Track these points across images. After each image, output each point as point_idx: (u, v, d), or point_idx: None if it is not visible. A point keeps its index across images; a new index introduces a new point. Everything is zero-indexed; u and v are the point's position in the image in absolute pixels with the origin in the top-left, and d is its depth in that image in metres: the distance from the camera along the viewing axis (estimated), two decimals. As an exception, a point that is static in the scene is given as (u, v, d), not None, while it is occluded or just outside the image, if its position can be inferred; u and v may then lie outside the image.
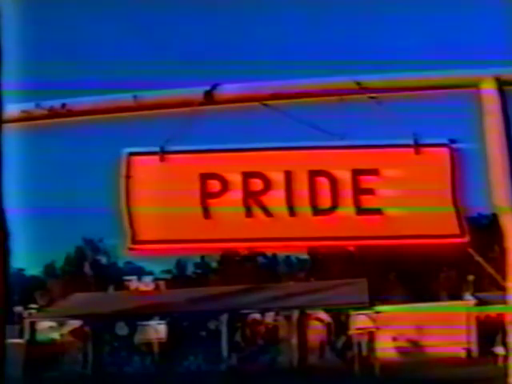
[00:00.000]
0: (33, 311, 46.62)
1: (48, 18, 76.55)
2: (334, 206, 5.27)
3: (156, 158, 5.42)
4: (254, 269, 69.80)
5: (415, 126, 5.34)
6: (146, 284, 47.89)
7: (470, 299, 40.84)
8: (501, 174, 5.18)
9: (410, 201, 5.23)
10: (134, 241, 5.36)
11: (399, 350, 37.18)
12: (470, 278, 46.51)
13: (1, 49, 3.32)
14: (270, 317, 36.26)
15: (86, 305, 36.91)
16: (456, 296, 46.76)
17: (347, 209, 5.26)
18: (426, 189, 5.24)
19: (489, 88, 5.27)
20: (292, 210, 5.27)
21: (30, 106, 5.61)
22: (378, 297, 39.72)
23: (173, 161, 5.42)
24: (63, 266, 77.44)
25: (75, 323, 36.62)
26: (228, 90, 5.50)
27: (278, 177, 5.30)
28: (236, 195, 5.30)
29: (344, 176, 5.28)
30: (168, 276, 67.21)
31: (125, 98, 5.58)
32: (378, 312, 33.74)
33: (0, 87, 3.23)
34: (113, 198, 5.42)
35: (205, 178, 5.34)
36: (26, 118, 5.59)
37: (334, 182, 5.28)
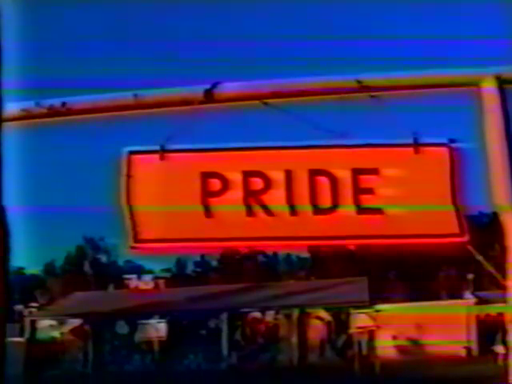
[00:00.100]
0: (33, 310, 46.66)
1: (48, 16, 76.52)
2: (335, 205, 5.27)
3: (156, 156, 5.42)
4: (254, 267, 69.84)
5: (415, 125, 5.34)
6: (146, 283, 47.88)
7: (470, 298, 40.83)
8: (501, 173, 5.18)
9: (410, 200, 5.24)
10: (136, 239, 5.36)
11: (399, 348, 37.18)
12: (470, 276, 46.52)
13: (1, 47, 3.32)
14: (270, 315, 36.26)
15: (86, 303, 36.92)
16: (456, 295, 46.75)
17: (347, 208, 5.27)
18: (426, 188, 5.25)
19: (489, 87, 5.27)
20: (293, 209, 5.28)
21: (29, 104, 5.61)
22: (378, 295, 39.71)
23: (173, 159, 5.42)
24: (63, 265, 77.48)
25: (75, 322, 36.62)
26: (228, 88, 5.50)
27: (278, 176, 5.30)
28: (236, 194, 5.30)
29: (344, 175, 5.28)
30: (168, 275, 67.18)
31: (125, 97, 5.58)
32: (378, 311, 33.72)
33: (0, 86, 3.22)
34: (113, 197, 5.42)
35: (205, 176, 5.34)
36: (26, 116, 5.59)
37: (334, 181, 5.28)
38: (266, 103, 5.49)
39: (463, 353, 36.98)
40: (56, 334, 36.90)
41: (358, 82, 5.35)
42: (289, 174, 5.30)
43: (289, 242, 5.56)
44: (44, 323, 37.05)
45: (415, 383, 25.22)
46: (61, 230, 75.23)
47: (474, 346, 37.75)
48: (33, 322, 36.98)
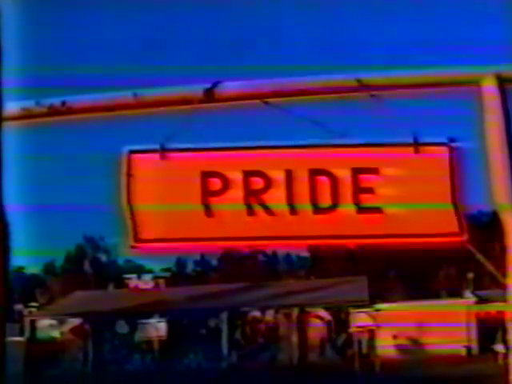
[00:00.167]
0: (33, 309, 46.67)
1: (48, 15, 76.49)
2: (335, 205, 5.27)
3: (156, 155, 5.42)
4: (253, 267, 69.85)
5: (415, 124, 5.34)
6: (146, 282, 47.94)
7: (470, 297, 40.86)
8: (501, 172, 5.18)
9: (410, 199, 5.24)
10: (136, 239, 5.36)
11: (399, 347, 37.19)
12: (470, 275, 46.54)
13: (1, 47, 3.31)
14: (270, 315, 36.29)
15: (86, 303, 36.94)
16: (456, 294, 46.76)
17: (347, 207, 5.27)
18: (426, 187, 5.25)
19: (489, 85, 5.26)
20: (293, 209, 5.28)
21: (30, 103, 5.61)
22: (377, 295, 39.73)
23: (173, 159, 5.42)
24: (63, 265, 77.48)
25: (75, 321, 36.66)
26: (228, 87, 5.50)
27: (278, 175, 5.31)
28: (237, 193, 5.30)
29: (344, 174, 5.29)
30: (168, 274, 67.22)
31: (125, 96, 5.58)
32: (377, 310, 33.75)
33: (0, 85, 3.22)
34: (113, 196, 5.42)
35: (206, 176, 5.34)
36: (26, 115, 5.58)
37: (334, 181, 5.28)
38: (266, 102, 5.49)
39: (463, 352, 37.00)
40: (56, 333, 36.93)
41: (358, 81, 5.35)
42: (289, 174, 5.30)
43: (289, 242, 5.57)
44: (44, 323, 37.08)
45: (415, 382, 25.23)
46: (61, 230, 75.33)
47: (474, 345, 37.78)
48: (33, 322, 37.01)
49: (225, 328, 35.34)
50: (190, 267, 78.85)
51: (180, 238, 5.41)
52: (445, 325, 35.63)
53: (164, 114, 5.60)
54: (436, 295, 52.91)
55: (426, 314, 36.97)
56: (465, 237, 5.20)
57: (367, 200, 5.26)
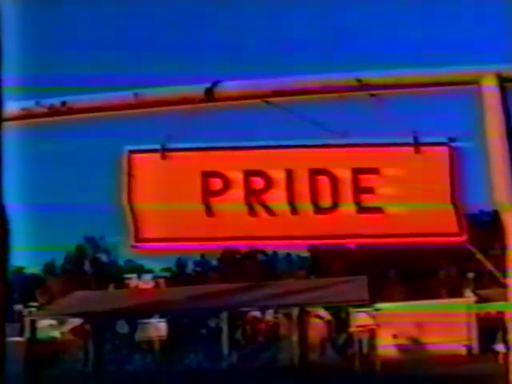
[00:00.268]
0: (33, 309, 46.64)
1: (49, 15, 76.47)
2: (335, 205, 5.28)
3: (157, 155, 5.42)
4: (253, 266, 69.83)
5: (416, 123, 5.35)
6: (146, 282, 47.93)
7: (470, 296, 40.83)
8: (502, 171, 5.18)
9: (410, 199, 5.24)
10: (137, 239, 5.37)
11: (400, 347, 37.17)
12: (471, 275, 46.51)
13: (1, 46, 3.31)
14: (270, 314, 36.28)
15: (86, 303, 36.91)
16: (456, 293, 46.75)
17: (348, 207, 5.27)
18: (426, 187, 5.25)
19: (490, 85, 5.26)
20: (293, 209, 5.28)
21: (30, 103, 5.61)
22: (378, 294, 39.72)
23: (174, 158, 5.43)
24: (63, 264, 77.46)
25: (76, 321, 36.64)
26: (229, 87, 5.50)
27: (279, 175, 5.31)
28: (238, 193, 5.31)
29: (344, 174, 5.29)
30: (168, 274, 67.22)
31: (125, 96, 5.58)
32: (378, 309, 33.73)
33: (0, 84, 3.22)
34: (114, 196, 5.42)
35: (206, 175, 5.34)
36: (27, 115, 5.58)
37: (334, 181, 5.29)
38: (266, 102, 5.49)
39: (464, 351, 36.97)
40: (56, 333, 36.91)
41: (358, 80, 5.35)
42: (289, 173, 5.30)
43: (290, 241, 5.58)
44: (44, 323, 37.05)
45: (416, 382, 25.22)
46: (61, 229, 75.31)
47: (475, 344, 37.75)
48: (33, 322, 36.96)
49: (225, 328, 35.32)
50: (190, 267, 78.84)
51: (181, 238, 5.42)
52: (445, 324, 35.62)
53: (164, 113, 5.60)
54: (436, 295, 52.89)
55: (427, 313, 36.95)
56: (465, 236, 5.20)
57: (367, 200, 5.27)
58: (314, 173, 5.31)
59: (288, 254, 74.40)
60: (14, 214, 3.34)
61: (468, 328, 37.82)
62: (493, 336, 31.96)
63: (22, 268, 69.18)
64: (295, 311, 34.84)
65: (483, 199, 5.44)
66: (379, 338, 33.77)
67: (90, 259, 76.67)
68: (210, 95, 5.44)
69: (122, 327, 36.29)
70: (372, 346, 33.64)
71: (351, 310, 33.63)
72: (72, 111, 5.60)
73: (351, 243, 5.98)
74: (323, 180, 5.29)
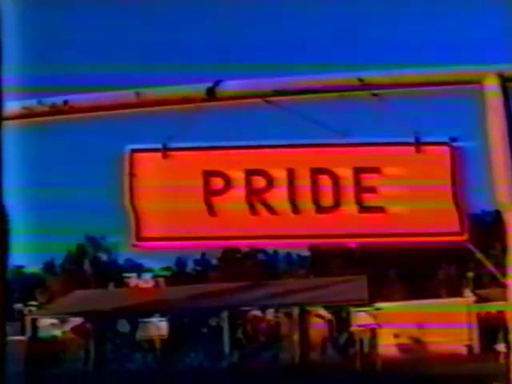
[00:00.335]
0: (33, 308, 46.66)
1: (49, 15, 76.48)
2: (337, 204, 5.28)
3: (159, 154, 5.42)
4: (254, 266, 69.83)
5: (417, 123, 5.34)
6: (146, 281, 47.91)
7: (470, 296, 40.85)
8: (503, 171, 5.17)
9: (412, 198, 5.24)
10: (139, 237, 5.37)
11: (401, 347, 37.19)
12: (470, 274, 46.52)
13: (2, 45, 3.31)
14: (271, 314, 36.28)
15: (86, 302, 36.94)
16: (456, 293, 46.75)
17: (349, 206, 5.27)
18: (427, 187, 5.25)
19: (492, 84, 5.26)
20: (295, 208, 5.28)
21: (32, 102, 5.61)
22: (377, 294, 39.70)
23: (175, 158, 5.43)
24: (63, 263, 77.45)
25: (76, 320, 36.65)
26: (230, 86, 5.49)
27: (280, 174, 5.31)
28: (239, 192, 5.30)
29: (346, 174, 5.29)
30: (168, 273, 67.22)
31: (127, 95, 5.58)
32: (378, 309, 33.74)
33: (1, 83, 3.22)
34: (116, 195, 5.42)
35: (208, 175, 5.34)
36: (28, 114, 5.58)
37: (336, 180, 5.29)
38: (267, 101, 5.49)
39: (464, 351, 37.00)
40: (57, 332, 36.92)
41: (360, 80, 5.35)
42: (291, 173, 5.30)
43: (291, 240, 5.58)
44: (45, 322, 37.07)
45: (416, 381, 25.23)
46: (62, 229, 75.28)
47: (476, 344, 37.77)
48: (34, 321, 36.98)
49: (226, 327, 35.33)
50: (190, 266, 78.85)
51: (182, 237, 5.42)
52: (446, 324, 35.63)
53: (166, 112, 5.60)
54: (436, 294, 52.88)
55: (427, 313, 36.97)
56: (466, 236, 5.20)
57: (369, 199, 5.27)
58: (316, 172, 5.30)
59: (288, 254, 74.44)
60: (14, 213, 3.34)
61: (469, 328, 37.83)
62: (493, 336, 31.98)
63: (21, 267, 69.18)
64: (296, 310, 34.85)
65: (485, 199, 5.44)
66: (380, 337, 33.79)
67: (90, 258, 76.68)
68: (211, 94, 5.43)
69: (123, 326, 36.29)
70: (373, 346, 33.65)
71: (352, 309, 33.63)
72: (74, 110, 5.59)
73: (352, 242, 5.97)
74: (324, 179, 5.29)
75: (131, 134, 5.78)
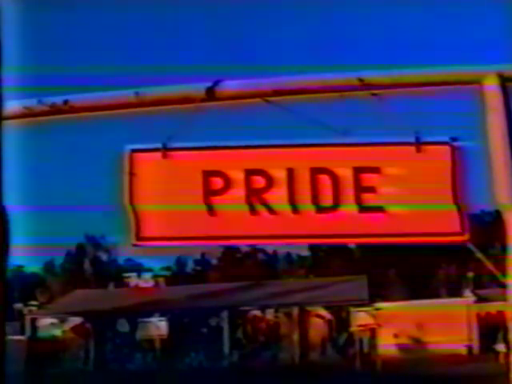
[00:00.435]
0: (33, 308, 46.66)
1: (49, 15, 76.49)
2: (336, 204, 5.27)
3: (158, 154, 5.42)
4: (254, 266, 69.84)
5: (417, 123, 5.34)
6: (146, 281, 47.89)
7: (469, 296, 40.82)
8: (503, 171, 5.17)
9: (412, 198, 5.23)
10: (138, 237, 5.37)
11: (400, 347, 37.17)
12: (470, 274, 46.52)
13: (1, 45, 3.31)
14: (270, 313, 36.29)
15: (86, 302, 36.95)
16: (456, 293, 46.74)
17: (349, 206, 5.27)
18: (428, 187, 5.24)
19: (491, 84, 5.26)
20: (295, 208, 5.28)
21: (31, 102, 5.61)
22: (377, 294, 39.72)
23: (175, 158, 5.43)
24: (63, 263, 77.48)
25: (76, 320, 36.66)
26: (230, 86, 5.49)
27: (280, 174, 5.31)
28: (239, 192, 5.30)
29: (346, 174, 5.28)
30: (168, 273, 67.22)
31: (127, 95, 5.58)
32: (378, 309, 33.74)
33: (1, 83, 3.21)
34: (115, 195, 5.42)
35: (207, 175, 5.34)
36: (28, 114, 5.58)
37: (335, 180, 5.28)
38: (267, 101, 5.49)
39: (464, 351, 36.96)
40: (57, 332, 36.93)
41: (360, 80, 5.35)
42: (291, 173, 5.30)
43: (291, 241, 5.58)
44: (45, 321, 37.09)
45: (416, 381, 25.22)
46: (61, 228, 75.33)
47: (476, 344, 37.73)
48: (34, 321, 37.00)
49: (226, 327, 35.33)
50: (190, 266, 78.86)
51: (182, 237, 5.42)
52: (445, 324, 35.61)
53: (166, 112, 5.60)
54: (436, 294, 52.88)
55: (427, 313, 36.94)
56: (466, 236, 5.20)
57: (369, 199, 5.26)
58: (316, 172, 5.30)
59: (288, 254, 74.44)
60: (14, 213, 3.34)
61: (468, 328, 37.80)
62: (493, 336, 31.96)
63: (21, 267, 69.19)
64: (296, 310, 34.85)
65: (485, 199, 5.44)
66: (380, 337, 33.79)
67: (90, 258, 76.70)
68: (211, 94, 5.43)
69: (123, 326, 36.30)
70: (372, 346, 33.66)
71: (352, 309, 33.63)
72: (74, 110, 5.59)
73: (353, 243, 5.97)
74: (324, 179, 5.29)
75: (131, 134, 5.78)
